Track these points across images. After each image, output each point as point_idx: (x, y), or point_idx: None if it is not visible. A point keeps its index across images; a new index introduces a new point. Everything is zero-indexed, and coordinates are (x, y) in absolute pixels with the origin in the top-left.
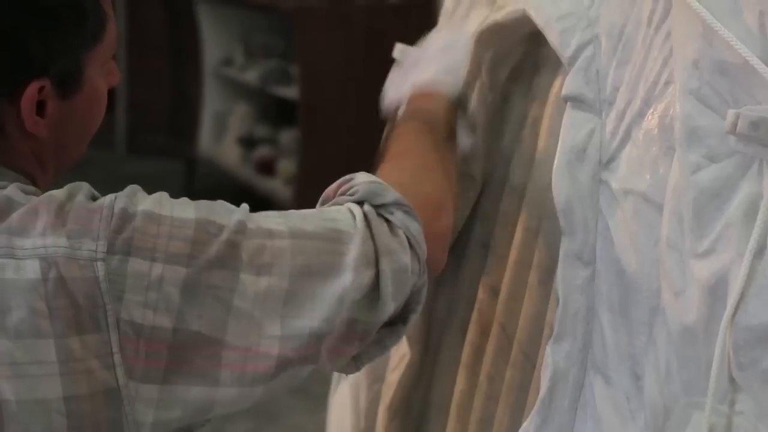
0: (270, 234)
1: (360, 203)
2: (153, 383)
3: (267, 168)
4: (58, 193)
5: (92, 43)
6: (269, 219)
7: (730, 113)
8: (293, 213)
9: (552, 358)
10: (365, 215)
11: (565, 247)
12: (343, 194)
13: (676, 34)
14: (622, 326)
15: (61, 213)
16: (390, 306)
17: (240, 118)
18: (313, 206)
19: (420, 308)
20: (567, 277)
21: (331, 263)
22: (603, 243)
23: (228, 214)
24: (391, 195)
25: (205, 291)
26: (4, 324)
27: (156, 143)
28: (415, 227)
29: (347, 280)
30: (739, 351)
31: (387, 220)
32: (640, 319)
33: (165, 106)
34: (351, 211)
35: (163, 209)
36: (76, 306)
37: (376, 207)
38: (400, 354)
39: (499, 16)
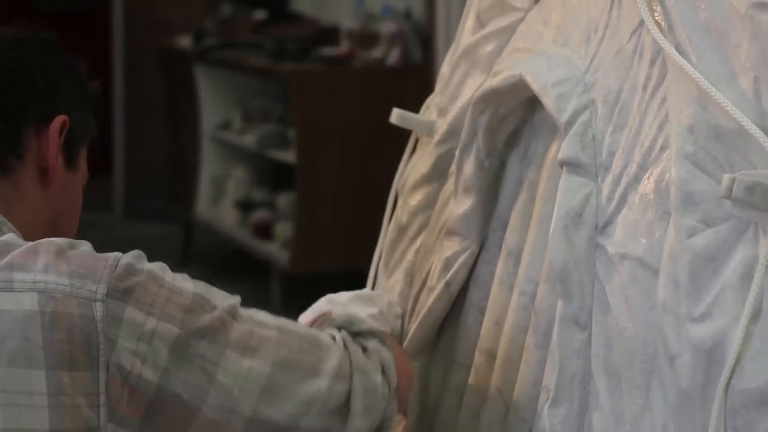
0: (259, 323)
1: (338, 329)
2: (129, 429)
3: (264, 231)
4: (61, 240)
5: (88, 136)
6: (260, 313)
7: (726, 178)
8: (281, 318)
9: (549, 421)
10: (343, 339)
11: (561, 311)
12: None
13: (672, 99)
14: (619, 390)
15: (63, 255)
16: (359, 422)
17: (237, 181)
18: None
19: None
20: (563, 341)
21: (311, 365)
22: (599, 307)
23: (223, 298)
24: (367, 324)
25: (192, 357)
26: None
27: (153, 207)
28: (387, 355)
29: (323, 384)
30: (735, 415)
31: (362, 346)
32: (636, 382)
33: (163, 169)
34: (330, 333)
35: (166, 276)
36: (71, 341)
37: (353, 334)
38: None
39: (495, 81)
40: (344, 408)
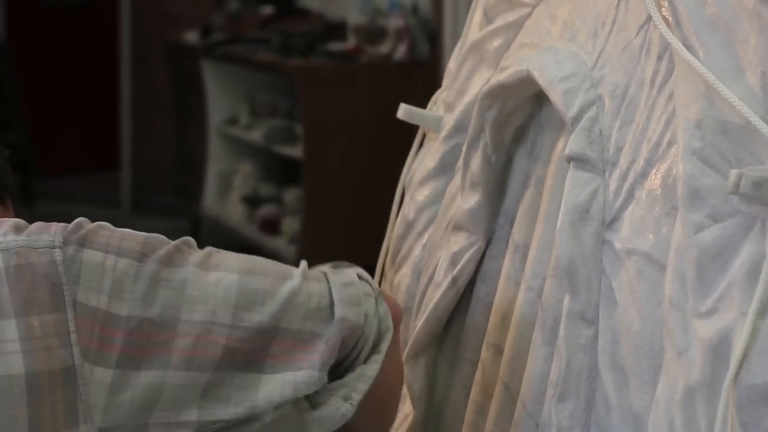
0: (216, 250)
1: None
2: (106, 367)
3: (271, 227)
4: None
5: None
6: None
7: (733, 173)
8: None
9: (555, 417)
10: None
11: (568, 306)
12: None
13: (679, 94)
14: (626, 385)
15: (21, 226)
16: (346, 311)
17: (244, 176)
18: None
19: (390, 335)
20: (570, 336)
21: (279, 271)
22: (606, 302)
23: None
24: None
25: (156, 283)
26: None
27: (161, 202)
28: (361, 270)
29: (296, 282)
30: (742, 410)
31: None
32: (643, 378)
33: (170, 165)
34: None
35: (117, 228)
36: (36, 288)
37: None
38: (404, 413)
39: (502, 76)
40: (329, 309)
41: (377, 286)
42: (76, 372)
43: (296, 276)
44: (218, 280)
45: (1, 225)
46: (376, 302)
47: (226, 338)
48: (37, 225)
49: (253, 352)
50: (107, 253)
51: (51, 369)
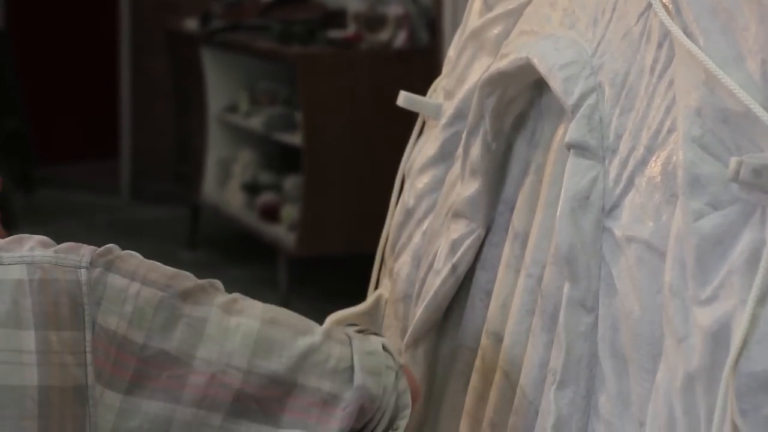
0: (242, 297)
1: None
2: (117, 392)
3: (271, 214)
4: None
5: None
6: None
7: (733, 161)
8: None
9: (555, 404)
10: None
11: (568, 293)
12: None
13: (679, 82)
14: (625, 372)
15: (47, 243)
16: (365, 380)
17: (244, 164)
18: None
19: (408, 412)
20: (570, 323)
21: (302, 326)
22: (606, 290)
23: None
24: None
25: (177, 317)
26: None
27: (160, 189)
28: (387, 341)
29: (317, 339)
30: (741, 397)
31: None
32: (643, 365)
33: (169, 152)
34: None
35: (145, 259)
36: (58, 303)
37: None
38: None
39: (502, 64)
40: (348, 372)
41: (401, 361)
42: (87, 392)
43: (318, 333)
44: (239, 325)
45: (28, 240)
46: (397, 377)
47: (240, 382)
48: (68, 244)
49: (268, 402)
50: (133, 281)
51: (63, 385)
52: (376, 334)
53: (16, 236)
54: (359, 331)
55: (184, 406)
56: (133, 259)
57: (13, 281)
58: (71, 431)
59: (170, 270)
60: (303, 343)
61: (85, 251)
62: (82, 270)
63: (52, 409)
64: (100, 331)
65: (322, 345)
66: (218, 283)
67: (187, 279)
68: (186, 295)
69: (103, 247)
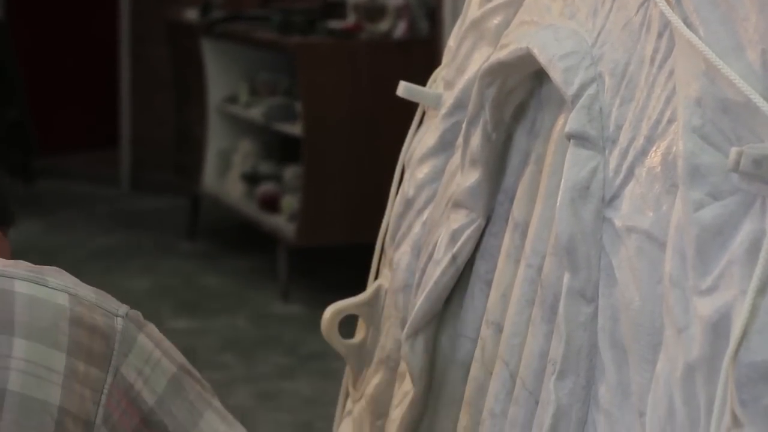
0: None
1: None
2: None
3: (271, 204)
4: None
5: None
6: None
7: (733, 151)
8: None
9: (555, 394)
10: None
11: (568, 284)
12: None
13: (679, 72)
14: (625, 363)
15: (89, 286)
16: None
17: (244, 154)
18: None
19: None
20: (570, 314)
21: None
22: (606, 280)
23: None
24: None
25: (184, 397)
26: (30, 328)
27: (160, 180)
28: None
29: None
30: (741, 388)
31: None
32: (642, 356)
33: (169, 142)
34: None
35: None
36: (92, 339)
37: None
38: (404, 390)
39: (502, 54)
40: None
41: None
42: (93, 430)
43: None
44: None
45: (67, 276)
46: None
47: None
48: (105, 294)
49: None
50: (156, 348)
51: (78, 415)
52: None
53: (55, 268)
54: None
55: None
56: (156, 331)
57: (56, 305)
58: None
59: (182, 357)
60: None
61: (122, 305)
62: (119, 318)
63: (65, 431)
64: (120, 379)
65: None
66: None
67: (196, 373)
68: (192, 383)
69: (134, 310)
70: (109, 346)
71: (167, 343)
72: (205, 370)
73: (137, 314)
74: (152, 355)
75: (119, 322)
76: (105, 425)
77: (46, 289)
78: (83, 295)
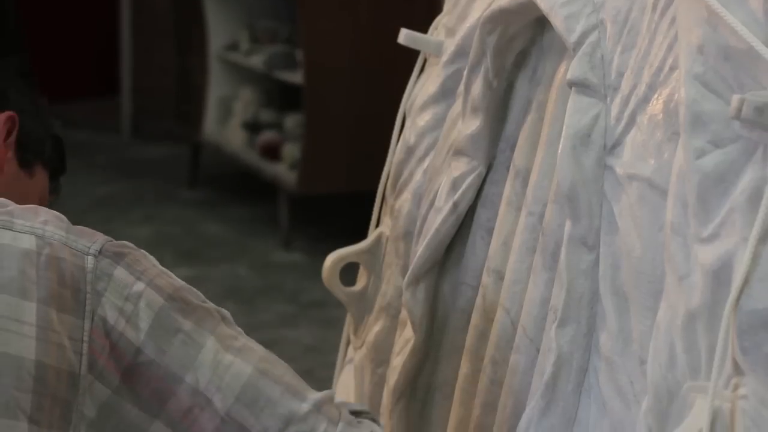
0: (247, 337)
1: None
2: (106, 386)
3: (272, 152)
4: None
5: (43, 152)
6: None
7: (735, 98)
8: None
9: (556, 342)
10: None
11: (569, 231)
12: None
13: (681, 19)
14: (626, 310)
15: (63, 221)
16: None
17: (245, 102)
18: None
19: None
20: (572, 261)
21: (295, 387)
22: (607, 228)
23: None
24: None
25: (175, 331)
26: None
27: (161, 128)
28: (379, 429)
29: (304, 407)
30: (742, 335)
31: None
32: (644, 303)
33: (170, 91)
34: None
35: (160, 265)
36: (62, 283)
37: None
38: (405, 338)
39: (503, 1)
40: None
41: None
42: (79, 381)
43: (308, 401)
44: (231, 364)
45: (43, 213)
46: None
47: (214, 426)
48: (82, 228)
49: None
50: (138, 280)
51: (59, 366)
52: (374, 420)
53: (32, 206)
54: (356, 412)
55: (160, 424)
56: (146, 260)
57: (22, 250)
58: (58, 415)
59: (180, 282)
60: (289, 406)
61: (98, 239)
62: (89, 257)
63: (46, 387)
64: (99, 322)
65: (309, 416)
66: (227, 313)
67: (195, 296)
68: (188, 313)
69: (119, 241)
70: (80, 290)
71: (155, 271)
72: None
73: (118, 245)
74: (133, 289)
75: (89, 261)
76: (91, 372)
77: (11, 233)
78: (51, 234)
